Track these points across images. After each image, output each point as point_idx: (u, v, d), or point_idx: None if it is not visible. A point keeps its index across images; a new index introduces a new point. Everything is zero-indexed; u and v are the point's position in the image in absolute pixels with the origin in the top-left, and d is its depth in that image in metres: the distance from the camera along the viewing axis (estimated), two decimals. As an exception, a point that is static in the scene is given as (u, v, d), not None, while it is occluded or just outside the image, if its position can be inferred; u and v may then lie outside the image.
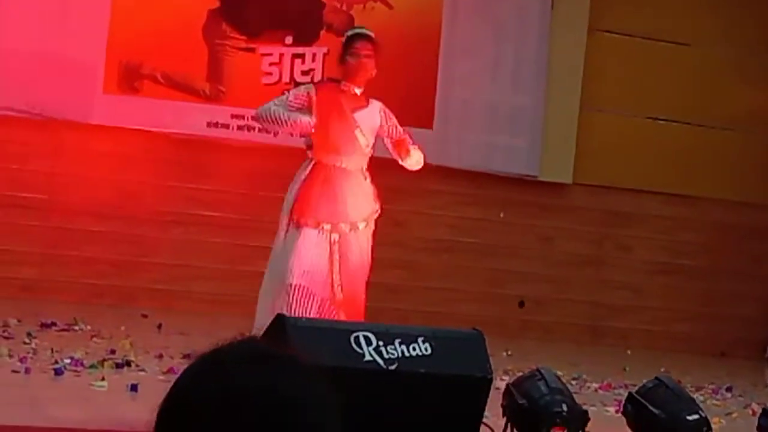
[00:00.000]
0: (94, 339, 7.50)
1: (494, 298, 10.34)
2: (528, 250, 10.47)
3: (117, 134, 9.33)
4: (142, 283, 9.49)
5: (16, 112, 9.13)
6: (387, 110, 6.60)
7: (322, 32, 9.91)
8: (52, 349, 6.75)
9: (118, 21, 9.32)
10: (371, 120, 6.48)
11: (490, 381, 4.84)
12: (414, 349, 4.75)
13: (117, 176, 9.45)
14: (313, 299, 6.06)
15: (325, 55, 9.82)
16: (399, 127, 6.59)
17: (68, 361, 6.44)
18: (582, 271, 10.59)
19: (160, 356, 6.90)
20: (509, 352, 8.78)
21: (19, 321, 7.80)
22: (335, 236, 6.23)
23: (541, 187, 10.34)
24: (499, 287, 10.37)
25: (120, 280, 9.51)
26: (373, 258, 6.36)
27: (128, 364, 6.58)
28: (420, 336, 4.80)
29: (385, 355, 4.70)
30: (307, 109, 6.36)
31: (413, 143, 6.59)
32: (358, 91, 6.46)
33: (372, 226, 6.41)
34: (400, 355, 4.73)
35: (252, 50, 9.69)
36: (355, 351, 4.68)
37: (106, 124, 9.29)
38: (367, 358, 4.68)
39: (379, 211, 6.46)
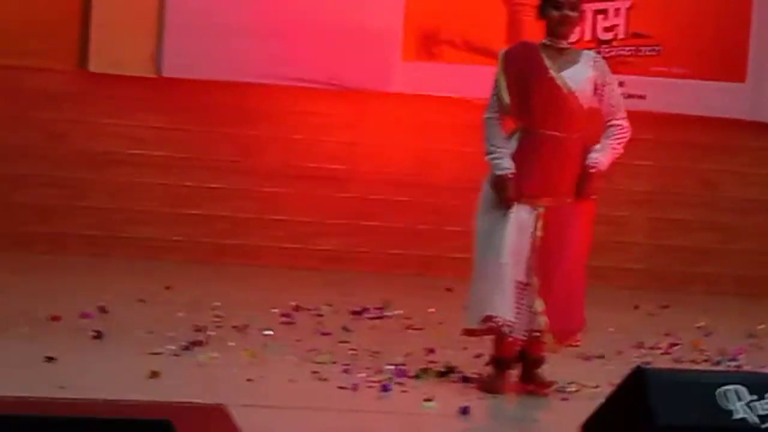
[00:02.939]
0: (409, 330, 7.33)
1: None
2: None
3: (417, 102, 9.12)
4: (443, 252, 9.27)
5: (317, 85, 9.01)
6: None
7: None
8: (372, 352, 6.58)
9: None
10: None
11: None
12: (787, 403, 4.34)
13: (417, 144, 9.25)
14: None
15: (628, 9, 9.32)
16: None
17: (391, 368, 6.26)
18: None
19: (478, 356, 6.58)
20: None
21: (330, 306, 7.72)
22: None
23: None
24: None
25: (421, 249, 9.34)
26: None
27: (451, 371, 6.36)
28: (794, 388, 4.37)
29: (759, 411, 4.31)
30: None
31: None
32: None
33: None
34: (773, 410, 4.33)
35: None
36: (723, 408, 4.30)
37: (405, 92, 9.09)
38: (737, 415, 4.30)
39: None
